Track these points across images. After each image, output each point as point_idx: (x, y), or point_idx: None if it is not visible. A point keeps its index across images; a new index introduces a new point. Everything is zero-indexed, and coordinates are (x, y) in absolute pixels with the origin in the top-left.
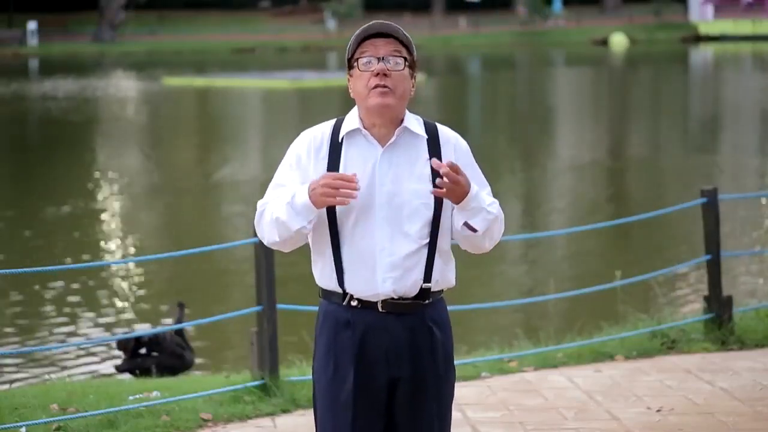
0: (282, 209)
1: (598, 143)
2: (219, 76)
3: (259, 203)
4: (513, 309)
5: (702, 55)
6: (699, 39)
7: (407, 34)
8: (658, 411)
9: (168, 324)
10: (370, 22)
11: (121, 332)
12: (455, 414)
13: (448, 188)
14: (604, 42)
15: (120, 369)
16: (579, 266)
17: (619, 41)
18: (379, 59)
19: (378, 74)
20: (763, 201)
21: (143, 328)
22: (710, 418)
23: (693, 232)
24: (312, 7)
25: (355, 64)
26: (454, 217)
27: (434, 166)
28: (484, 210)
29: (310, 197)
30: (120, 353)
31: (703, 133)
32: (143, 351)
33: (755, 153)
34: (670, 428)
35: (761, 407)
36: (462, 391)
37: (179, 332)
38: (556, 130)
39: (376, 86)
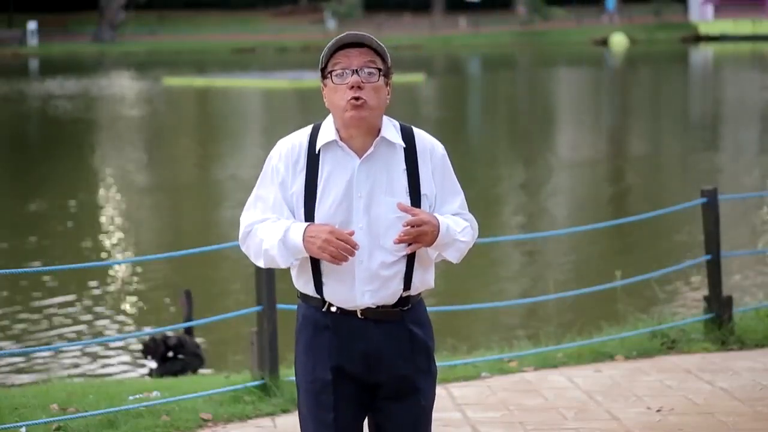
0: (273, 243)
1: (598, 143)
2: (219, 76)
3: (243, 221)
4: (513, 309)
5: (702, 55)
6: (699, 39)
7: (381, 43)
8: (658, 411)
9: (183, 322)
10: (343, 33)
11: (120, 332)
12: (455, 414)
13: (416, 243)
14: (604, 42)
15: (154, 375)
16: (579, 266)
17: (619, 41)
18: (353, 71)
19: (353, 87)
20: (760, 200)
21: (143, 329)
22: (710, 418)
23: (693, 232)
24: (312, 7)
25: (329, 75)
26: (427, 250)
27: (400, 209)
28: (456, 241)
29: (304, 242)
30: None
31: (704, 133)
32: (170, 354)
33: (755, 153)
34: (670, 428)
35: (761, 407)
36: (462, 391)
37: (188, 329)
38: (556, 130)
39: (351, 99)
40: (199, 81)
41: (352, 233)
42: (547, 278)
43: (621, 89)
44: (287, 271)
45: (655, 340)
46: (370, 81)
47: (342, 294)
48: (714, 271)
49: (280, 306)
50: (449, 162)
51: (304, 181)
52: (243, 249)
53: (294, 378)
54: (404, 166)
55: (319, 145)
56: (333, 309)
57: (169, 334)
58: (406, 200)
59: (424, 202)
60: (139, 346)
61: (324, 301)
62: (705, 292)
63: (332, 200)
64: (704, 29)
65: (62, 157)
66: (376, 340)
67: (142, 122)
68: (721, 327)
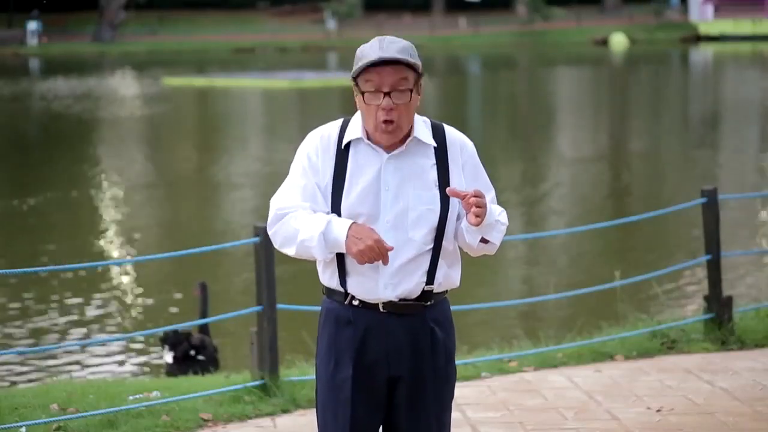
0: (312, 235)
1: (599, 143)
2: (219, 76)
3: (275, 205)
4: (513, 309)
5: (702, 55)
6: (699, 39)
7: (413, 53)
8: (658, 411)
9: (199, 315)
10: (377, 45)
11: (120, 332)
12: (455, 414)
13: (479, 213)
14: (604, 42)
15: (168, 371)
16: (579, 266)
17: (619, 41)
18: (384, 94)
19: (384, 109)
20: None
21: (144, 328)
22: (710, 418)
23: (693, 232)
24: (312, 7)
25: (362, 92)
26: (467, 235)
27: (450, 194)
28: (498, 222)
29: (347, 239)
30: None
31: (704, 133)
32: (192, 353)
33: (755, 152)
34: (670, 428)
35: (761, 407)
36: (462, 391)
37: (204, 328)
38: (556, 130)
39: (384, 121)
40: (199, 81)
41: (391, 249)
42: (547, 278)
43: (621, 89)
44: (287, 272)
45: (655, 340)
46: (401, 101)
47: (365, 286)
48: (714, 271)
49: (280, 306)
50: (479, 159)
51: (333, 173)
52: (270, 232)
53: (309, 377)
54: (434, 161)
55: (347, 139)
56: (355, 303)
57: (193, 332)
58: (435, 193)
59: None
60: (139, 346)
61: (347, 295)
62: (705, 292)
63: (359, 192)
64: (704, 29)
65: (61, 157)
66: (397, 334)
67: (142, 122)
68: (721, 327)
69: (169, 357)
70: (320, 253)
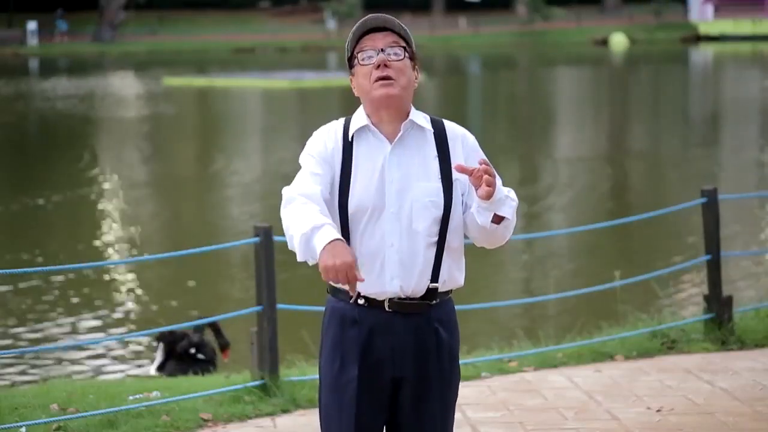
0: (297, 231)
1: (599, 143)
2: (219, 76)
3: (286, 192)
4: (513, 309)
5: (702, 55)
6: (699, 39)
7: (404, 26)
8: (658, 411)
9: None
10: (365, 17)
11: (120, 332)
12: (455, 414)
13: (489, 182)
14: (604, 42)
15: (165, 371)
16: (579, 266)
17: (619, 41)
18: (378, 51)
19: (379, 66)
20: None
21: (144, 329)
22: (710, 418)
23: (693, 232)
24: (312, 7)
25: (356, 61)
26: (479, 216)
27: (459, 171)
28: (508, 198)
29: (322, 251)
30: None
31: (704, 133)
32: (192, 351)
33: (756, 152)
34: (670, 428)
35: (761, 407)
36: (462, 391)
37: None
38: (556, 130)
39: (379, 78)
40: (199, 81)
41: (362, 280)
42: (547, 278)
43: (621, 89)
44: (287, 272)
45: (655, 340)
46: (396, 60)
47: (371, 279)
48: (714, 271)
49: (280, 306)
50: (481, 150)
51: (340, 167)
52: (282, 215)
53: (309, 377)
54: (435, 153)
55: (351, 131)
56: (360, 301)
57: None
58: (438, 185)
59: (456, 188)
60: (139, 346)
61: None
62: (705, 292)
63: (365, 185)
64: (704, 29)
65: (61, 157)
66: (402, 333)
67: (142, 122)
68: (721, 327)
69: (157, 361)
70: (299, 253)
